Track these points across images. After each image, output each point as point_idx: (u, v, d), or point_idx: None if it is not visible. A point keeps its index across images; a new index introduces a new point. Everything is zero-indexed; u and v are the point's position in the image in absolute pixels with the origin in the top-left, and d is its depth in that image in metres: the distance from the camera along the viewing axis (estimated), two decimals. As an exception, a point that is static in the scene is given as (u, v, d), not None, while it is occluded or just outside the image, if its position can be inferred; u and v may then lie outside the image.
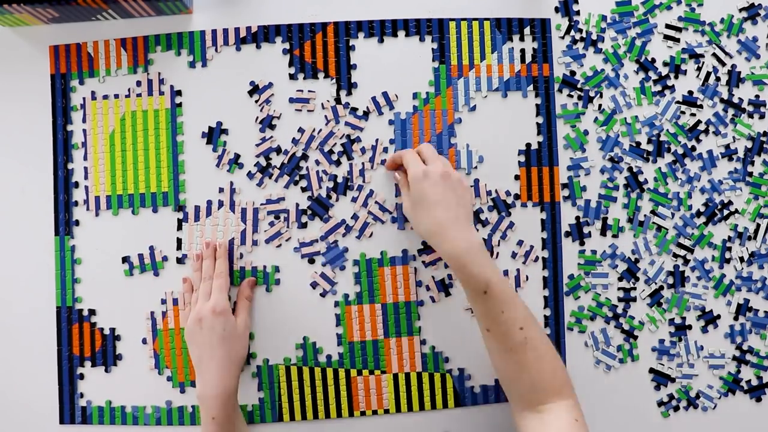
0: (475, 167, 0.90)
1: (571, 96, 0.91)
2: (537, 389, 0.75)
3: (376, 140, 0.90)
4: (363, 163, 0.90)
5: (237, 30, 0.90)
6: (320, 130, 0.90)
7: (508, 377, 0.77)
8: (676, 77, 0.92)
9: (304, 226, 0.90)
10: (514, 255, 0.90)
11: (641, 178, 0.91)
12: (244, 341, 0.84)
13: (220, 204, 0.89)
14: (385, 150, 0.90)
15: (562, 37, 0.92)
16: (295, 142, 0.90)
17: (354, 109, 0.90)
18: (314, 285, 0.89)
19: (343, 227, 0.89)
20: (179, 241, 0.89)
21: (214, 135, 0.90)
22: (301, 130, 0.90)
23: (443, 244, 0.78)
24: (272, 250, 0.89)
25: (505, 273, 0.90)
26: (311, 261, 0.89)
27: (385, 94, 0.90)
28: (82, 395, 0.89)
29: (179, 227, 0.89)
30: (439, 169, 0.80)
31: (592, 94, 0.91)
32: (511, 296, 0.76)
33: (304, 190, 0.90)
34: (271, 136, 0.90)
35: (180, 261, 0.89)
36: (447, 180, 0.80)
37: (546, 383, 0.75)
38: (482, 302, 0.76)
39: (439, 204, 0.79)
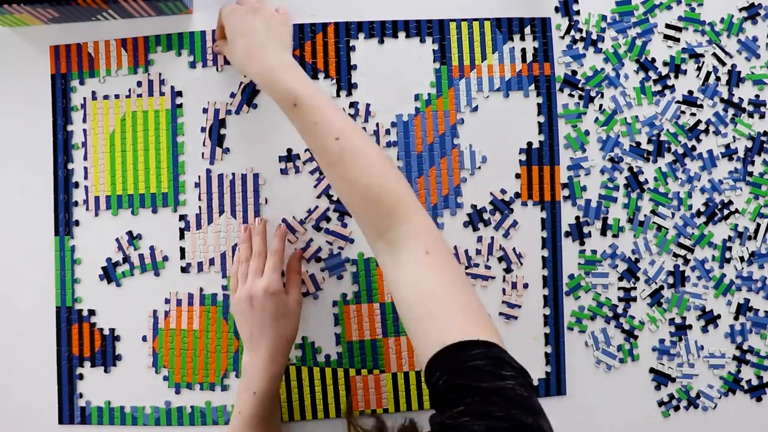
0: (479, 167, 0.90)
1: (572, 96, 0.91)
2: (371, 208, 0.69)
3: (377, 139, 0.90)
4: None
5: (237, 30, 0.90)
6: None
7: (343, 199, 0.73)
8: (676, 77, 0.92)
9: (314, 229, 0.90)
10: (515, 252, 0.90)
11: (641, 178, 0.91)
12: (296, 318, 0.82)
13: (221, 210, 0.89)
14: (388, 144, 0.90)
15: (563, 37, 0.92)
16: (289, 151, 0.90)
17: (354, 110, 0.90)
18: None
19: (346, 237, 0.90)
20: (182, 250, 0.89)
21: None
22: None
23: (252, 66, 0.77)
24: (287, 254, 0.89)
25: (509, 266, 0.90)
26: (316, 260, 0.89)
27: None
28: (81, 395, 0.89)
29: (182, 236, 0.89)
30: (247, 4, 0.81)
31: (593, 94, 0.91)
32: (326, 109, 0.72)
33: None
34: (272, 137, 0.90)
35: (184, 270, 0.89)
36: (256, 14, 0.81)
37: (378, 198, 0.68)
38: (295, 116, 0.73)
39: (244, 33, 0.79)
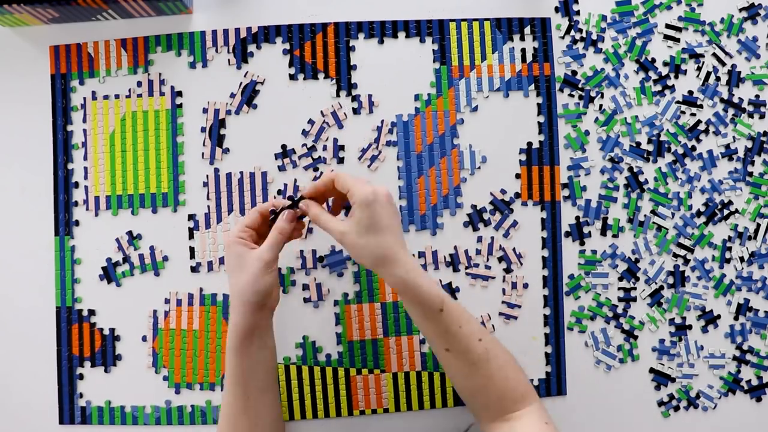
0: (479, 167, 0.90)
1: (572, 96, 0.91)
2: (504, 398, 0.75)
3: (377, 138, 0.90)
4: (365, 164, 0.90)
5: (237, 30, 0.90)
6: (321, 131, 0.90)
7: (474, 393, 0.76)
8: (676, 77, 0.92)
9: (310, 231, 0.90)
10: (515, 252, 0.90)
11: (641, 178, 0.91)
12: (249, 274, 0.74)
13: (230, 209, 0.89)
14: (388, 143, 0.90)
15: (563, 37, 0.92)
16: (286, 149, 0.90)
17: (355, 111, 0.90)
18: (305, 287, 0.90)
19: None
20: (192, 249, 0.89)
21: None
22: (304, 132, 0.90)
23: (395, 269, 0.72)
24: (285, 252, 0.89)
25: (509, 266, 0.90)
26: (319, 260, 0.90)
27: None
28: (81, 395, 0.89)
29: (191, 236, 0.89)
30: (384, 189, 0.74)
31: (593, 94, 0.91)
32: (463, 310, 0.75)
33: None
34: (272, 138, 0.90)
35: (194, 270, 0.89)
36: (392, 202, 0.75)
37: (512, 391, 0.75)
38: (439, 321, 0.73)
39: (389, 228, 0.73)
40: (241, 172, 0.90)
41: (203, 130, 0.90)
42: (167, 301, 0.89)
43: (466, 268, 0.90)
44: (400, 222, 0.76)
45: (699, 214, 0.92)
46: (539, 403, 0.76)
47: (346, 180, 0.75)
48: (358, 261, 0.75)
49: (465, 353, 0.74)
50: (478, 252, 0.90)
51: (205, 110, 0.90)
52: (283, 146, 0.90)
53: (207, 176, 0.90)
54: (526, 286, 0.90)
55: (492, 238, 0.90)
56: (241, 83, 0.90)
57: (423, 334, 0.76)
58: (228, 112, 0.90)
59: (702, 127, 0.92)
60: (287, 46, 0.90)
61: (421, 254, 0.90)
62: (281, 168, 0.90)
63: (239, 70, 0.90)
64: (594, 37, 0.92)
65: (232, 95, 0.90)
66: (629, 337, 0.91)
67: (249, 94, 0.90)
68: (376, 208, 0.72)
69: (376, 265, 0.73)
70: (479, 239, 0.90)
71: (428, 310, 0.73)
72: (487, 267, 0.90)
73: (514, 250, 0.90)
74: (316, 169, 0.90)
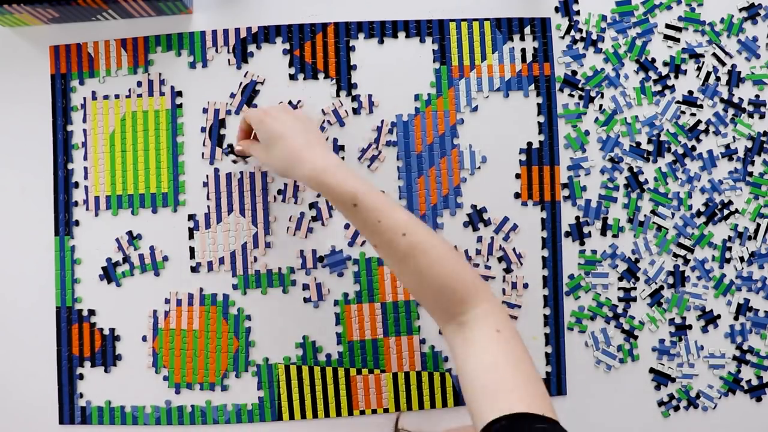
0: (479, 167, 0.90)
1: (572, 96, 0.91)
2: (443, 297, 0.70)
3: (377, 138, 0.90)
4: (366, 164, 0.90)
5: (237, 30, 0.90)
6: (321, 130, 0.90)
7: (412, 291, 0.74)
8: (676, 77, 0.92)
9: (310, 231, 0.90)
10: (515, 252, 0.90)
11: (641, 178, 0.91)
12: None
13: (230, 209, 0.89)
14: (388, 143, 0.90)
15: (563, 37, 0.92)
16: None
17: (355, 111, 0.90)
18: (305, 287, 0.90)
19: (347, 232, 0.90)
20: (192, 250, 0.89)
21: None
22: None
23: (300, 169, 0.74)
24: (285, 252, 0.89)
25: (509, 266, 0.90)
26: (319, 260, 0.90)
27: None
28: (81, 395, 0.89)
29: (191, 236, 0.89)
30: (276, 106, 0.80)
31: (593, 94, 0.91)
32: (385, 204, 0.72)
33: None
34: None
35: (194, 270, 0.89)
36: (288, 112, 0.80)
37: (449, 288, 0.70)
38: (356, 216, 0.72)
39: (285, 135, 0.76)
40: (241, 172, 0.90)
41: (203, 130, 0.90)
42: (167, 301, 0.89)
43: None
44: (308, 126, 0.79)
45: (699, 214, 0.92)
46: (491, 304, 0.71)
47: (249, 116, 0.81)
48: (274, 173, 0.86)
49: (389, 248, 0.72)
50: (478, 252, 0.90)
51: (205, 110, 0.90)
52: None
53: (207, 176, 0.90)
54: (526, 286, 0.90)
55: (492, 238, 0.90)
56: (241, 83, 0.90)
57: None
58: (228, 112, 0.90)
59: (702, 127, 0.92)
60: (287, 46, 0.90)
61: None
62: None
63: (239, 70, 0.90)
64: (594, 37, 0.92)
65: (232, 95, 0.90)
66: (629, 337, 0.91)
67: (249, 94, 0.90)
68: (267, 122, 0.78)
69: (284, 173, 0.79)
70: (479, 239, 0.90)
71: (342, 206, 0.73)
72: (487, 267, 0.90)
73: (513, 250, 0.90)
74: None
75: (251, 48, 0.90)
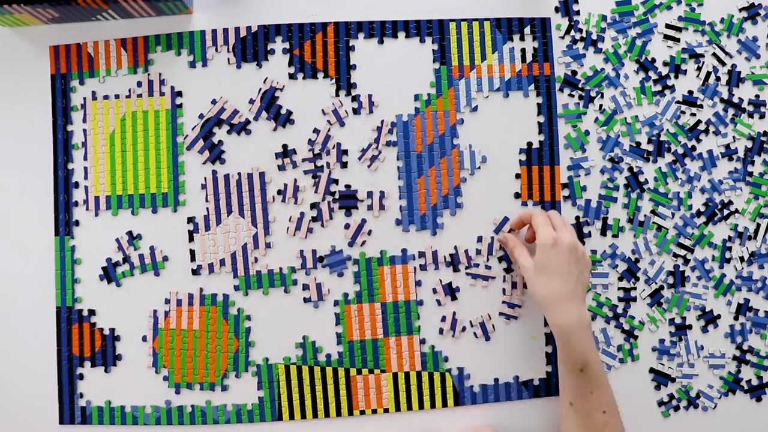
0: (479, 167, 0.90)
1: (572, 96, 0.91)
2: None
3: (377, 138, 0.90)
4: (366, 164, 0.90)
5: (237, 30, 0.90)
6: (320, 132, 0.90)
7: None
8: (676, 77, 0.92)
9: (310, 231, 0.90)
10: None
11: (641, 178, 0.91)
12: None
13: (229, 210, 0.89)
14: (388, 143, 0.90)
15: (563, 37, 0.92)
16: (285, 149, 0.90)
17: (358, 104, 0.90)
18: (305, 287, 0.90)
19: (349, 231, 0.90)
20: (192, 252, 0.89)
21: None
22: (310, 141, 0.90)
23: (556, 316, 0.78)
24: (286, 252, 0.89)
25: (509, 265, 0.90)
26: (319, 260, 0.90)
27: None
28: (81, 395, 0.89)
29: (191, 239, 0.89)
30: (567, 238, 0.80)
31: (593, 94, 0.91)
32: (603, 379, 0.78)
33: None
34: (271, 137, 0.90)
35: (195, 272, 0.89)
36: (573, 252, 0.80)
37: None
38: (576, 378, 0.78)
39: (561, 275, 0.79)
40: (239, 173, 0.89)
41: (201, 116, 0.90)
42: (167, 301, 0.89)
43: (467, 268, 0.90)
44: (580, 272, 0.80)
45: (699, 214, 0.92)
46: None
47: (536, 219, 0.83)
48: (532, 297, 0.86)
49: (585, 417, 0.78)
50: (479, 252, 0.90)
51: (214, 101, 0.90)
52: (284, 146, 0.90)
53: (205, 178, 0.89)
54: (526, 285, 0.90)
55: (492, 237, 0.90)
56: (260, 89, 0.90)
57: (560, 379, 0.81)
58: (247, 121, 0.90)
59: (702, 127, 0.92)
60: (287, 45, 0.90)
61: (422, 254, 0.90)
62: (281, 168, 0.90)
63: (239, 69, 0.90)
64: (594, 37, 0.92)
65: (251, 101, 0.90)
66: (629, 337, 0.91)
67: (268, 101, 0.89)
68: (551, 254, 0.79)
69: (540, 305, 0.81)
70: (479, 239, 0.90)
71: (570, 365, 0.78)
72: (488, 267, 0.90)
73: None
74: (316, 167, 0.90)
75: (272, 45, 0.90)
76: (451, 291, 0.90)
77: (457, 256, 0.90)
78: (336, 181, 0.90)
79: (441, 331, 0.90)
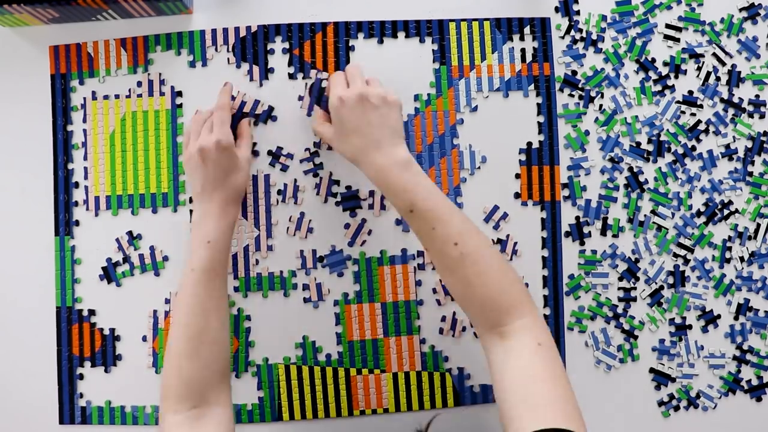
0: (478, 168, 0.90)
1: (572, 96, 0.91)
2: (487, 308, 0.72)
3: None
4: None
5: (237, 30, 0.90)
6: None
7: (458, 299, 0.75)
8: (676, 77, 0.92)
9: (310, 231, 0.90)
10: (514, 252, 0.90)
11: (641, 178, 0.91)
12: (246, 173, 0.84)
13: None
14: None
15: (563, 37, 0.92)
16: (285, 150, 0.90)
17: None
18: (305, 287, 0.90)
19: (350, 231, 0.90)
20: None
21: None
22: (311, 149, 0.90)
23: (365, 169, 0.77)
24: (288, 254, 0.89)
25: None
26: (319, 260, 0.90)
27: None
28: (81, 395, 0.89)
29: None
30: (355, 92, 0.76)
31: (593, 94, 0.91)
32: (442, 212, 0.73)
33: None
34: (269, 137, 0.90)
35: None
36: (364, 102, 0.76)
37: (495, 300, 0.71)
38: (411, 221, 0.75)
39: (356, 130, 0.76)
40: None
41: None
42: (167, 301, 0.89)
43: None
44: (380, 117, 0.77)
45: (699, 214, 0.92)
46: (533, 317, 0.72)
47: (330, 81, 0.80)
48: (341, 154, 0.80)
49: (440, 255, 0.73)
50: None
51: (233, 98, 0.90)
52: (279, 147, 0.90)
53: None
54: (526, 285, 0.90)
55: (491, 238, 0.90)
56: (306, 83, 0.89)
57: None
58: (263, 113, 0.90)
59: (702, 127, 0.92)
60: (287, 45, 0.90)
61: (420, 254, 0.90)
62: (283, 168, 0.90)
63: (239, 69, 0.90)
64: (594, 37, 0.92)
65: (300, 98, 0.90)
66: (629, 337, 0.91)
67: (316, 95, 0.88)
68: (343, 112, 0.77)
69: (354, 160, 0.78)
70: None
71: (400, 210, 0.75)
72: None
73: (513, 246, 0.90)
74: (315, 166, 0.90)
75: (271, 45, 0.90)
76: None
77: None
78: (337, 182, 0.90)
79: (441, 331, 0.90)
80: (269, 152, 0.89)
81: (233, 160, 0.81)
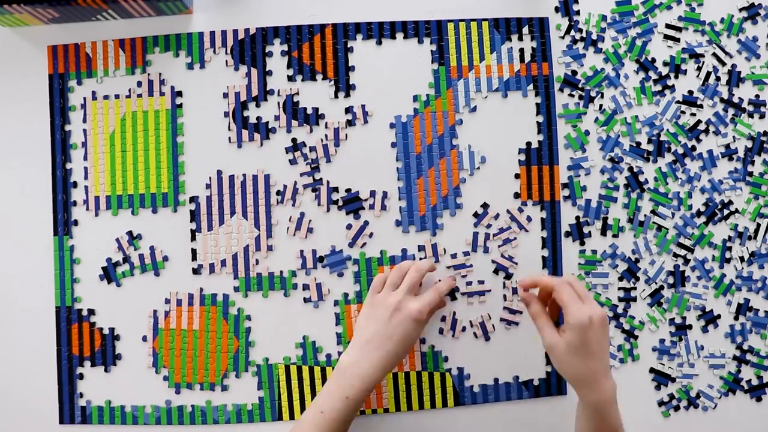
0: (478, 168, 0.90)
1: (572, 96, 0.91)
2: None
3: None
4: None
5: (235, 32, 0.90)
6: (315, 132, 0.90)
7: None
8: (676, 77, 0.92)
9: (310, 231, 0.90)
10: (509, 259, 0.90)
11: (641, 178, 0.91)
12: (415, 342, 0.83)
13: (232, 211, 0.89)
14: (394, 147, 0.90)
15: (563, 37, 0.92)
16: (290, 150, 0.90)
17: (353, 112, 0.90)
18: (305, 287, 0.90)
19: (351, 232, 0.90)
20: (194, 252, 0.89)
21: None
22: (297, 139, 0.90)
23: (592, 394, 0.75)
24: (288, 254, 0.89)
25: (507, 272, 0.90)
26: (319, 260, 0.90)
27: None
28: (81, 395, 0.89)
29: (193, 238, 0.89)
30: (600, 313, 0.74)
31: (593, 94, 0.91)
32: None
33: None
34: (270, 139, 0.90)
35: (196, 272, 0.89)
36: (605, 326, 0.75)
37: None
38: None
39: (598, 353, 0.74)
40: (244, 175, 0.90)
41: (226, 114, 0.90)
42: (167, 301, 0.89)
43: (467, 268, 0.90)
44: (608, 345, 0.78)
45: (699, 214, 0.92)
46: None
47: (562, 295, 0.76)
48: (560, 373, 0.78)
49: None
50: (476, 251, 0.90)
51: (225, 95, 0.90)
52: (294, 140, 0.90)
53: (210, 178, 0.90)
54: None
55: (488, 236, 0.90)
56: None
57: None
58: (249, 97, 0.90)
59: (702, 127, 0.92)
60: (285, 47, 0.90)
61: (421, 248, 0.90)
62: (293, 161, 0.90)
63: (237, 71, 0.90)
64: (594, 37, 0.92)
65: (257, 104, 0.90)
66: (629, 337, 0.91)
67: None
68: (589, 334, 0.74)
69: (575, 384, 0.76)
70: (477, 240, 0.90)
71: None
72: (480, 282, 0.90)
73: (509, 258, 0.90)
74: (312, 168, 0.90)
75: (270, 48, 0.90)
76: (451, 291, 0.90)
77: (457, 257, 0.90)
78: (336, 189, 0.90)
79: (441, 331, 0.90)
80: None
81: (418, 333, 0.80)
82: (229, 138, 0.90)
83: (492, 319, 0.90)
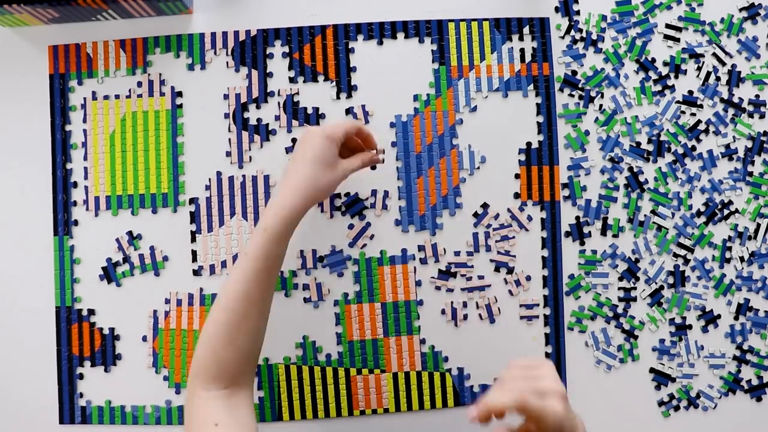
0: (478, 168, 0.90)
1: (572, 96, 0.91)
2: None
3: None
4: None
5: (236, 33, 0.90)
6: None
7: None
8: (676, 77, 0.92)
9: (310, 231, 0.90)
10: (508, 254, 0.90)
11: (641, 178, 0.91)
12: (336, 177, 0.78)
13: (232, 213, 0.89)
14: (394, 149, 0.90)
15: (563, 37, 0.92)
16: (289, 151, 0.90)
17: (354, 112, 0.90)
18: (305, 287, 0.90)
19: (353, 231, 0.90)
20: (194, 253, 0.90)
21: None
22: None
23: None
24: (288, 254, 0.89)
25: (507, 266, 0.90)
26: (320, 260, 0.90)
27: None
28: (81, 395, 0.89)
29: (193, 239, 0.90)
30: (560, 398, 0.62)
31: (593, 94, 0.91)
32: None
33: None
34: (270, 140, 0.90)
35: (196, 273, 0.89)
36: (567, 402, 0.63)
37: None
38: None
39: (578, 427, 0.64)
40: (244, 176, 0.90)
41: (226, 116, 0.90)
42: (167, 301, 0.89)
43: (466, 268, 0.90)
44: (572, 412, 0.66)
45: (699, 214, 0.92)
46: None
47: (545, 372, 0.64)
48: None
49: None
50: (476, 249, 0.90)
51: (225, 96, 0.90)
52: (294, 140, 0.90)
53: (210, 179, 0.90)
54: (529, 278, 0.90)
55: (488, 235, 0.90)
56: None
57: None
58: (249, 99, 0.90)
59: (702, 127, 0.92)
60: (287, 49, 0.90)
61: (421, 248, 0.90)
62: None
63: (237, 72, 0.90)
64: (594, 37, 0.92)
65: (258, 106, 0.90)
66: (629, 337, 0.91)
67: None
68: (570, 413, 0.63)
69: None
70: (476, 238, 0.90)
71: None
72: (480, 277, 0.90)
73: (508, 252, 0.90)
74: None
75: (271, 50, 0.90)
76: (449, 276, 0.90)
77: (457, 256, 0.90)
78: (338, 195, 0.90)
79: (442, 312, 0.89)
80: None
81: (328, 154, 0.77)
82: (229, 139, 0.90)
83: (498, 302, 0.90)
